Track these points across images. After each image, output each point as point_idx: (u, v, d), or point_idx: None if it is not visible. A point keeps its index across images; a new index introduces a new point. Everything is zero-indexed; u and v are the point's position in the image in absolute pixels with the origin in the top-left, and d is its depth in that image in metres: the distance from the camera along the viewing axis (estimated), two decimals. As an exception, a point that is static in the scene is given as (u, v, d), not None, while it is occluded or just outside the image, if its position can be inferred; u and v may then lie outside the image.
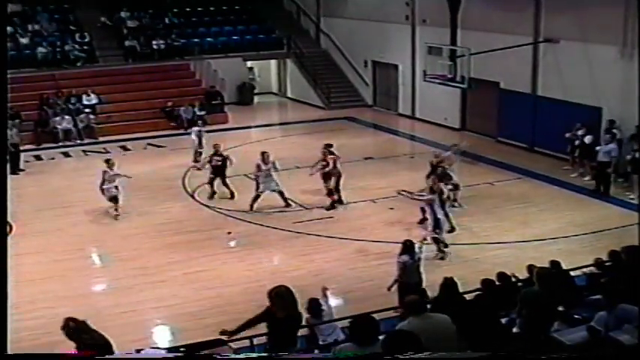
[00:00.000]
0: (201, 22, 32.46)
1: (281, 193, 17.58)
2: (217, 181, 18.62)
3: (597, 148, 18.47)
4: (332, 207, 17.57)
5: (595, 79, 20.16)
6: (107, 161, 17.52)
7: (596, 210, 17.29)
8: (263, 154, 17.60)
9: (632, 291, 7.38)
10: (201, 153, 21.33)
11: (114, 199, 17.20)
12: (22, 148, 22.41)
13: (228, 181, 18.56)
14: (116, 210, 17.23)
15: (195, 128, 22.36)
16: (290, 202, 17.75)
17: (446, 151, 18.15)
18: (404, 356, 4.06)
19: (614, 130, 18.88)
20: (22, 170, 21.60)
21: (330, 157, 17.82)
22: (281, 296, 7.53)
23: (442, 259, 14.39)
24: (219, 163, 18.54)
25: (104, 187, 17.11)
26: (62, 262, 14.81)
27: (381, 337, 5.95)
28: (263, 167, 17.42)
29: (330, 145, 18.27)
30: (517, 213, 17.28)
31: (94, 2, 31.47)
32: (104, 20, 30.90)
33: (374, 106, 30.23)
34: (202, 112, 27.03)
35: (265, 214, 17.41)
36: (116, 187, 17.20)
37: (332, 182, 17.76)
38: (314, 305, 10.49)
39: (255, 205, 17.49)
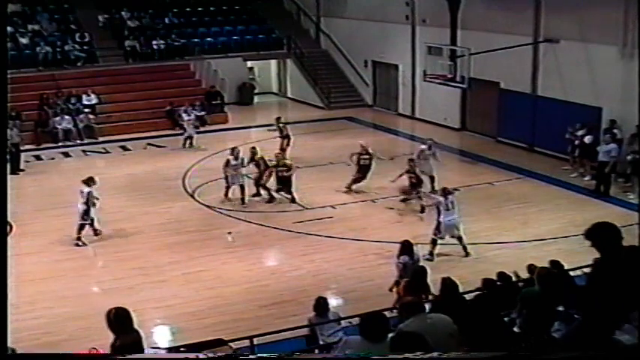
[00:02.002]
0: (201, 22, 32.45)
1: (242, 187, 18.07)
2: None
3: (598, 148, 18.46)
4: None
5: (595, 79, 20.16)
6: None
7: (596, 210, 17.26)
8: (233, 149, 18.33)
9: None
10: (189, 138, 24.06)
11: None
12: (22, 148, 22.39)
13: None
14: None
15: (185, 117, 24.53)
16: (246, 200, 18.04)
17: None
18: (413, 356, 4.07)
19: (615, 130, 18.88)
20: (22, 170, 21.59)
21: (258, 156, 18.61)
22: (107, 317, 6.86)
23: (429, 260, 13.89)
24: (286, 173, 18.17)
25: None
26: (62, 262, 14.81)
27: (390, 334, 5.95)
28: (232, 162, 17.98)
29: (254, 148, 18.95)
30: (517, 213, 17.28)
31: (94, 2, 31.48)
32: (104, 20, 30.91)
33: (374, 106, 30.22)
34: (202, 112, 27.04)
35: (265, 214, 17.42)
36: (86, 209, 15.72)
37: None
38: (322, 303, 10.47)
39: (230, 196, 18.16)
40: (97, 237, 15.95)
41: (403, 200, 17.63)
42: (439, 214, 14.50)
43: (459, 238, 14.58)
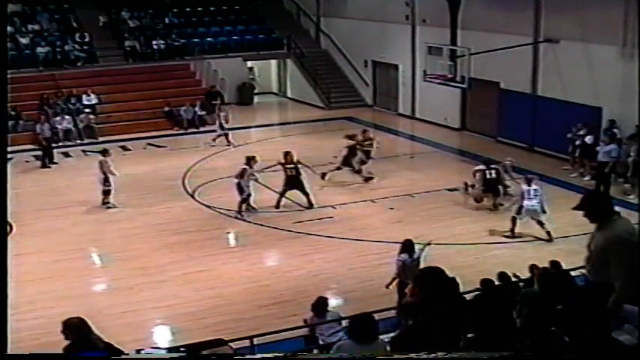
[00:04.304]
0: (201, 22, 32.45)
1: (248, 196, 17.33)
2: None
3: (597, 148, 18.45)
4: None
5: (595, 79, 20.16)
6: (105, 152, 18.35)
7: (596, 210, 17.24)
8: (251, 159, 17.31)
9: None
10: (226, 135, 24.18)
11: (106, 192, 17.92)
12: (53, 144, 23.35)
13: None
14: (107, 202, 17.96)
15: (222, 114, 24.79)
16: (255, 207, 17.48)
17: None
18: (416, 356, 4.07)
19: (615, 130, 18.87)
20: (56, 163, 22.52)
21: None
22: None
23: (507, 236, 15.49)
24: (293, 172, 17.69)
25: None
26: (62, 262, 14.81)
27: (381, 336, 5.95)
28: (249, 171, 17.14)
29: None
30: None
31: (94, 2, 31.48)
32: (104, 20, 30.91)
33: (374, 106, 30.22)
34: (203, 112, 27.06)
35: (265, 214, 17.40)
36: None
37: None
38: (321, 304, 10.48)
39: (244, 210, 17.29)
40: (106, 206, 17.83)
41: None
42: (523, 199, 15.53)
43: (540, 223, 15.45)
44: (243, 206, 17.25)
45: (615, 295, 5.79)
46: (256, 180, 17.49)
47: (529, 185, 15.69)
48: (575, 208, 6.27)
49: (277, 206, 17.67)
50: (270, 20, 33.17)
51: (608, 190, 18.10)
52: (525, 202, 15.53)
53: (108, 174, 17.75)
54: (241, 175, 17.13)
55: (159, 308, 12.88)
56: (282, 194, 17.72)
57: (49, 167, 22.17)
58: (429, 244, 12.51)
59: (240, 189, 17.15)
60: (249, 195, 17.34)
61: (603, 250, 6.04)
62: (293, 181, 17.65)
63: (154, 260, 14.83)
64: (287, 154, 17.86)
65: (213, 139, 24.13)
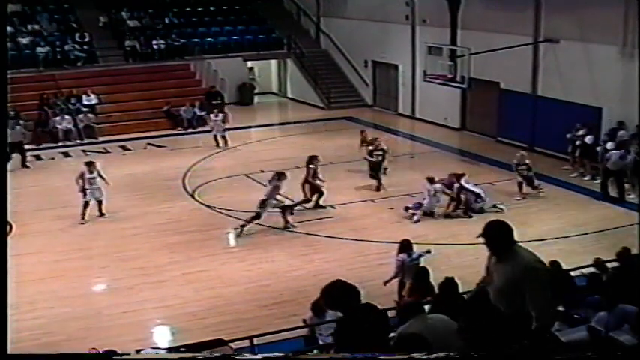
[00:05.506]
0: (201, 22, 32.46)
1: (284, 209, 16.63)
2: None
3: (606, 154, 18.19)
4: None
5: (595, 79, 20.16)
6: (88, 164, 17.52)
7: (596, 210, 17.28)
8: (282, 175, 16.41)
9: (632, 291, 7.39)
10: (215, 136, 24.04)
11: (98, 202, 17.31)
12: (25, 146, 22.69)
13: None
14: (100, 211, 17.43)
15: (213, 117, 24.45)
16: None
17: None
18: (418, 356, 4.08)
19: (621, 132, 18.80)
20: (28, 167, 22.19)
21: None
22: None
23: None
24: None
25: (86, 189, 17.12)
26: (62, 262, 14.81)
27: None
28: (275, 184, 16.29)
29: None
30: (517, 213, 17.26)
31: (94, 2, 31.48)
32: (104, 20, 30.92)
33: (374, 106, 30.23)
34: (202, 112, 27.04)
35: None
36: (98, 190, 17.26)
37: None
38: (320, 304, 10.47)
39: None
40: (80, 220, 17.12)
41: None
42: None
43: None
44: (254, 221, 16.30)
45: (538, 322, 5.78)
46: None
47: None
48: (480, 236, 6.03)
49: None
50: (270, 20, 33.17)
51: (624, 195, 17.84)
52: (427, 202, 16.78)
53: (86, 186, 17.08)
54: (272, 193, 16.20)
55: (159, 308, 12.89)
56: (309, 201, 17.60)
57: (28, 167, 22.13)
58: (428, 251, 12.52)
59: (263, 206, 16.15)
60: (283, 210, 16.50)
61: (515, 281, 5.92)
62: (316, 188, 17.64)
63: (154, 260, 14.83)
64: (314, 158, 17.66)
65: (223, 144, 23.94)
